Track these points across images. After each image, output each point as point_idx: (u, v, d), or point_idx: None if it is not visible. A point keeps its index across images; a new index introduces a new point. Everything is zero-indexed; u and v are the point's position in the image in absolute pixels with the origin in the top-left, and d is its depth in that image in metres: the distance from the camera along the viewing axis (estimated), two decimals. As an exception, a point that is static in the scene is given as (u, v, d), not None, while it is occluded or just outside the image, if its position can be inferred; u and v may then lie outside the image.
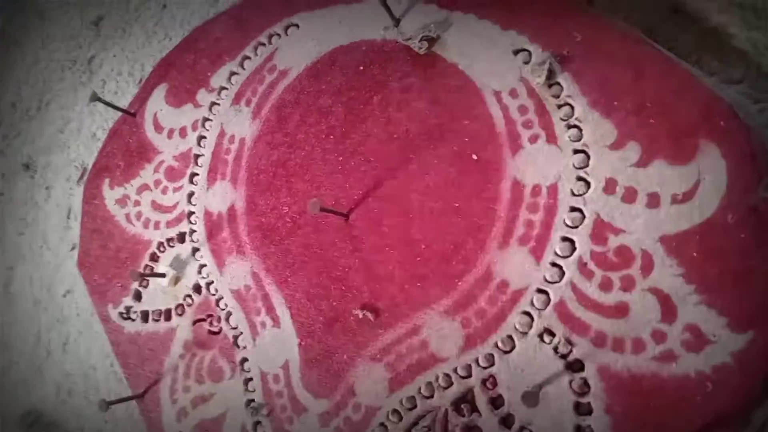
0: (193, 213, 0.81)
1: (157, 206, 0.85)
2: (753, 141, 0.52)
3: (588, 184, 0.57)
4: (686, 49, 0.63)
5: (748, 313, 0.49)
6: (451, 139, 0.65)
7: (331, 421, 0.66)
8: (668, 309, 0.52)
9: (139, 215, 0.86)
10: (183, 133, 0.85)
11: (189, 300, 0.78)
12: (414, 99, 0.68)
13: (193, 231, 0.80)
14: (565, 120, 0.60)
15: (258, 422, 0.70)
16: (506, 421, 0.57)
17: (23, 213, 1.16)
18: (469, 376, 0.60)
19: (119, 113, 0.93)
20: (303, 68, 0.77)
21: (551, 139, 0.60)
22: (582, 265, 0.56)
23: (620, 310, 0.54)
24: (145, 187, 0.87)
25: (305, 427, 0.67)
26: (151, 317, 0.81)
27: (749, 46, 0.61)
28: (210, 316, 0.76)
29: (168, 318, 0.80)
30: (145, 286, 0.83)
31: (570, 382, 0.55)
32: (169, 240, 0.82)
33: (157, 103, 0.89)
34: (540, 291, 0.58)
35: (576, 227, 0.57)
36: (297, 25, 0.80)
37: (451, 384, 0.60)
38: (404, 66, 0.70)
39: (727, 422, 0.49)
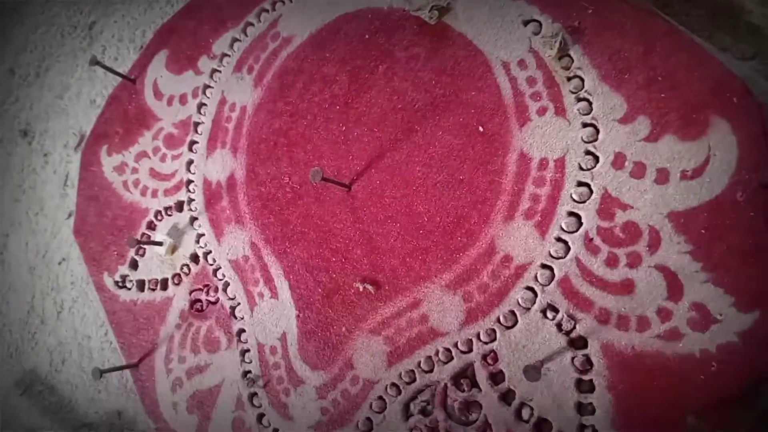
0: (192, 181, 0.80)
1: (155, 174, 0.84)
2: (765, 118, 0.51)
3: (596, 158, 0.57)
4: (699, 24, 0.62)
5: (755, 293, 0.49)
6: (456, 110, 0.64)
7: (329, 393, 0.65)
8: (674, 287, 0.51)
9: (137, 183, 0.85)
10: (183, 100, 0.84)
11: (186, 269, 0.77)
12: (420, 69, 0.67)
13: (191, 200, 0.79)
14: (574, 92, 0.59)
15: (254, 394, 0.69)
16: (506, 396, 0.57)
17: (20, 180, 1.15)
18: (470, 351, 0.59)
19: (119, 79, 0.92)
20: (307, 36, 0.76)
21: (560, 111, 0.59)
22: (588, 241, 0.55)
23: (626, 287, 0.53)
24: (143, 155, 0.86)
25: (302, 399, 0.66)
26: (147, 286, 0.80)
27: (764, 22, 0.60)
28: (207, 286, 0.75)
29: (164, 287, 0.79)
30: (142, 255, 0.82)
31: (572, 359, 0.54)
32: (167, 208, 0.81)
33: (158, 69, 0.88)
34: (544, 266, 0.57)
35: (583, 202, 0.56)
36: (302, -8, 0.78)
37: (451, 359, 0.60)
38: (411, 35, 0.68)
39: (731, 402, 0.49)
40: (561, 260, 0.56)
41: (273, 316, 0.70)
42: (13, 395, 1.04)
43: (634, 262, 0.53)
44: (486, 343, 0.58)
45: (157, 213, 0.82)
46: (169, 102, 0.85)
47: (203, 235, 0.77)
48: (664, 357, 0.51)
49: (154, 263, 0.80)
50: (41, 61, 1.17)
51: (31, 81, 1.18)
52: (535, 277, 0.57)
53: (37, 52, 1.18)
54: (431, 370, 0.60)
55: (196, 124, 0.82)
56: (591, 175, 0.56)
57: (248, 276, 0.73)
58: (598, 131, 0.57)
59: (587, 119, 0.58)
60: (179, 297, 0.77)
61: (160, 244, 0.79)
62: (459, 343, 0.59)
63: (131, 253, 0.83)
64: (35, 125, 1.15)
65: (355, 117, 0.69)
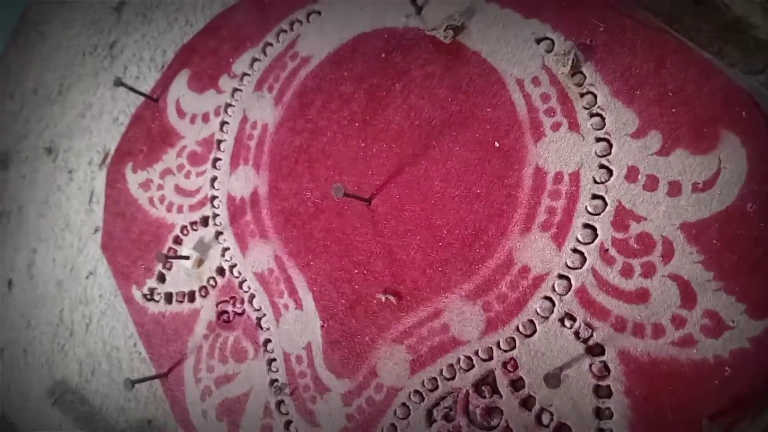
0: (216, 197, 0.82)
1: (180, 190, 0.86)
2: (773, 130, 0.53)
3: (610, 172, 0.58)
4: (708, 39, 0.64)
5: (766, 300, 0.50)
6: (472, 126, 0.66)
7: (354, 400, 0.67)
8: (688, 295, 0.53)
9: (162, 199, 0.88)
10: (206, 118, 0.86)
11: (212, 282, 0.80)
12: (436, 86, 0.69)
13: (216, 215, 0.82)
14: (587, 108, 0.60)
15: (281, 401, 0.71)
16: (526, 403, 0.59)
17: (45, 196, 1.18)
18: (490, 358, 0.61)
19: (141, 98, 0.94)
20: (325, 55, 0.78)
21: (574, 126, 0.61)
22: (603, 252, 0.57)
23: (640, 296, 0.55)
24: (168, 172, 0.88)
25: (328, 407, 0.68)
26: (174, 298, 0.83)
27: (771, 37, 0.62)
28: (233, 297, 0.78)
29: (192, 299, 0.81)
30: (169, 269, 0.84)
31: (590, 366, 0.56)
32: (192, 223, 0.84)
33: (180, 88, 0.90)
34: (561, 276, 0.59)
35: (598, 214, 0.58)
36: (319, 12, 0.81)
37: (473, 366, 0.62)
38: (426, 53, 0.70)
39: (745, 406, 0.50)
40: (577, 270, 0.58)
41: (298, 326, 0.72)
42: (44, 405, 1.06)
43: (648, 271, 0.55)
44: (506, 351, 0.60)
45: (183, 228, 0.84)
46: (192, 120, 0.88)
47: (228, 248, 0.80)
48: (678, 363, 0.52)
49: (181, 276, 0.83)
50: (63, 80, 1.20)
51: (53, 99, 1.20)
52: (553, 287, 0.59)
53: (59, 71, 1.21)
54: (453, 378, 0.62)
55: (219, 142, 0.84)
56: (605, 188, 0.58)
57: (273, 288, 0.75)
58: (611, 146, 0.59)
59: (600, 134, 0.59)
60: (206, 309, 0.79)
61: (186, 258, 0.81)
62: (480, 352, 0.61)
63: (158, 267, 0.85)
64: (59, 143, 1.18)
65: (374, 133, 0.72)
